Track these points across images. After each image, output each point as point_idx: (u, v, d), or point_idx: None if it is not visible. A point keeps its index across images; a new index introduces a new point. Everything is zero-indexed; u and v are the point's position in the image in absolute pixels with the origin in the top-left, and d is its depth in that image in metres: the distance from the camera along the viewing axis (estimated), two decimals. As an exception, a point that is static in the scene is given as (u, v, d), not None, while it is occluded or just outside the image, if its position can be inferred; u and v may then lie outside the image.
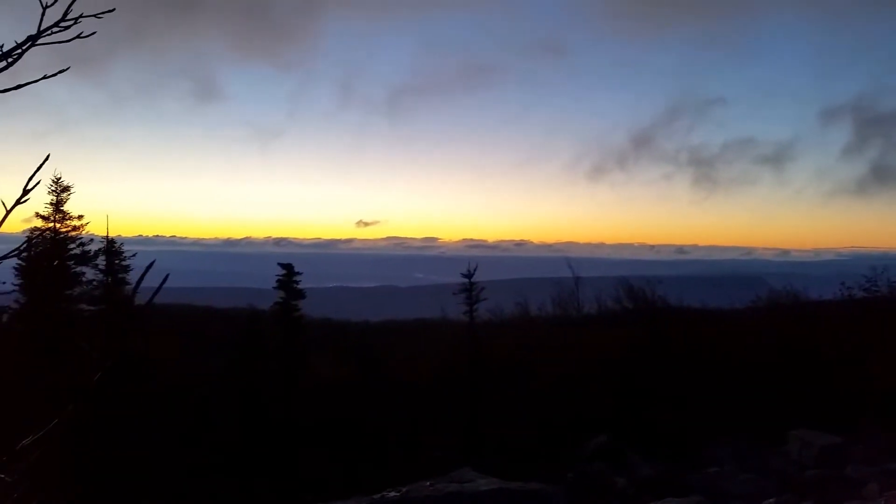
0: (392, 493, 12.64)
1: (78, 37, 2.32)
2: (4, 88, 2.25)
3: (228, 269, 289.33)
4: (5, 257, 2.44)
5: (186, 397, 24.93)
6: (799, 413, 19.34)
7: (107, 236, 24.32)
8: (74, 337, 20.90)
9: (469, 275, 28.20)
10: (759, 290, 32.79)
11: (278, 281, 27.95)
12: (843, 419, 18.06)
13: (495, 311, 31.96)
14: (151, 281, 2.63)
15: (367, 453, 22.67)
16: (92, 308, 24.49)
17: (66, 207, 23.58)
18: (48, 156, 2.32)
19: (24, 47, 2.27)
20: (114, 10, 2.40)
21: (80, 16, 2.30)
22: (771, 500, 12.83)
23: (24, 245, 2.53)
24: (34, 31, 2.29)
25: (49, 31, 2.28)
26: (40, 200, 23.11)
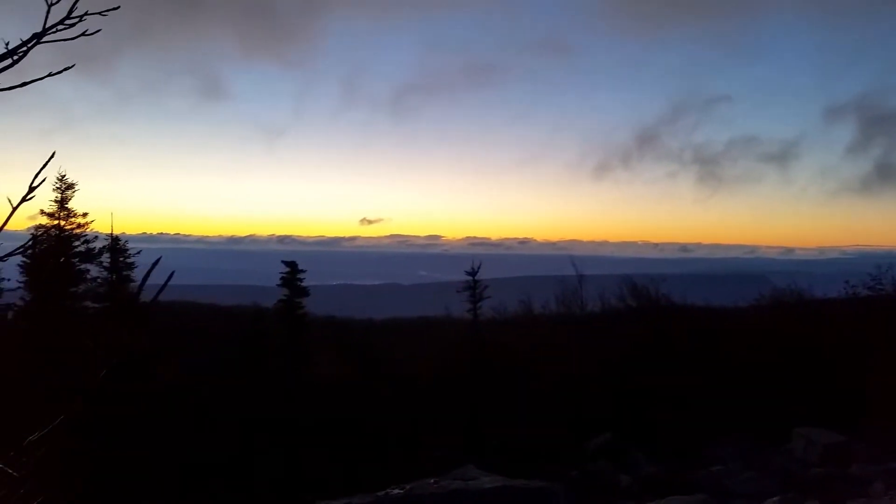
0: (396, 491, 12.66)
1: (83, 34, 2.33)
2: (10, 86, 2.26)
3: (232, 266, 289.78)
4: (11, 254, 2.44)
5: (189, 395, 24.97)
6: (803, 411, 19.32)
7: (111, 234, 24.40)
8: (79, 334, 20.97)
9: (473, 273, 28.20)
10: (763, 288, 32.74)
11: (282, 279, 27.98)
12: (848, 417, 18.03)
13: (499, 310, 31.95)
14: (156, 278, 2.63)
15: (370, 451, 22.69)
16: (96, 305, 24.56)
17: (70, 205, 23.66)
18: (53, 153, 2.33)
19: (29, 45, 2.28)
20: (118, 7, 2.41)
21: (86, 13, 2.30)
22: (775, 498, 12.81)
23: (30, 242, 2.54)
24: (39, 29, 2.29)
25: (54, 29, 2.29)
26: (45, 198, 23.20)
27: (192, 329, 33.96)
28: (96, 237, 24.20)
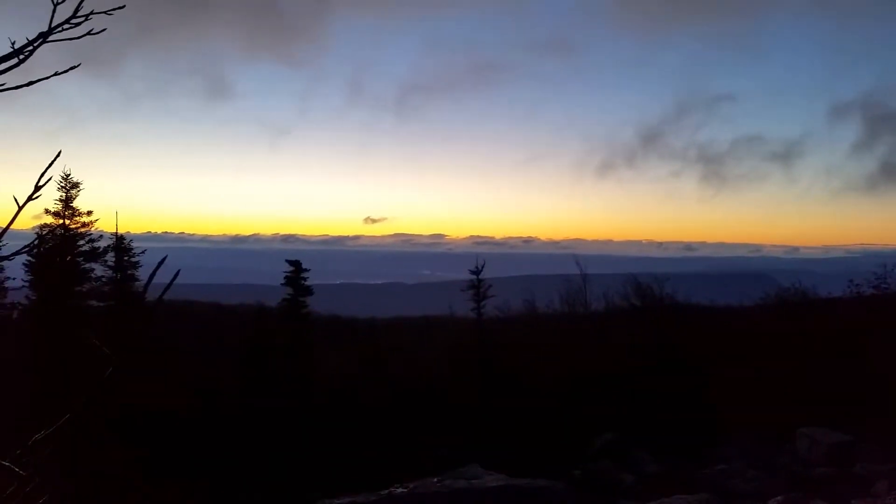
0: (400, 490, 12.68)
1: (89, 33, 2.33)
2: (16, 85, 2.27)
3: (236, 265, 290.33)
4: (17, 253, 2.45)
5: (193, 394, 25.02)
6: (807, 410, 19.27)
7: (116, 232, 24.43)
8: (84, 333, 21.02)
9: (477, 271, 28.20)
10: (768, 287, 32.69)
11: (286, 278, 28.01)
12: (852, 417, 17.97)
13: (503, 308, 31.93)
14: (161, 277, 2.64)
15: (374, 450, 22.70)
16: (101, 304, 24.62)
17: (75, 204, 23.71)
18: (59, 152, 2.33)
19: (35, 44, 2.28)
20: (124, 6, 2.41)
21: (91, 12, 2.30)
22: (779, 498, 12.79)
23: (36, 241, 2.55)
24: (45, 29, 2.30)
25: (60, 28, 2.29)
26: (50, 197, 23.27)
27: (196, 328, 34.05)
28: (101, 236, 24.26)
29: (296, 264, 28.22)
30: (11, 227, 2.32)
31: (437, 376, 27.17)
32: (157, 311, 2.50)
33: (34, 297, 23.71)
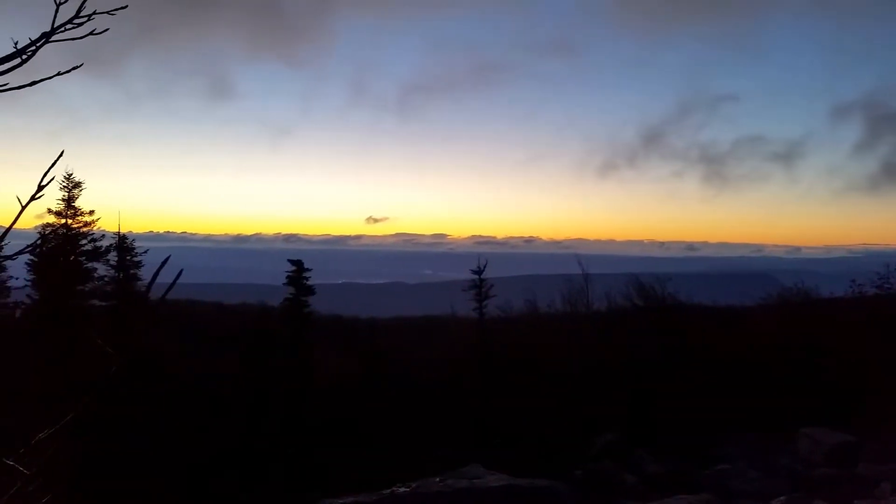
0: (402, 489, 12.68)
1: (91, 34, 2.34)
2: (19, 85, 2.27)
3: (238, 265, 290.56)
4: (21, 253, 2.46)
5: (196, 394, 25.04)
6: (809, 411, 19.24)
7: (118, 232, 24.46)
8: (87, 332, 21.04)
9: (478, 271, 28.19)
10: (770, 287, 32.65)
11: (288, 277, 28.03)
12: (854, 417, 17.95)
13: (504, 308, 31.91)
14: (164, 277, 2.64)
15: (376, 449, 22.70)
16: (103, 304, 24.66)
17: (77, 203, 23.76)
18: (62, 152, 2.34)
19: (37, 44, 2.29)
20: (126, 6, 2.42)
21: (94, 13, 2.31)
22: (781, 498, 12.78)
23: (38, 241, 2.55)
24: (48, 29, 2.30)
25: (63, 28, 2.30)
26: (52, 197, 23.31)
27: (199, 328, 34.07)
28: (103, 236, 24.31)
29: (298, 264, 28.24)
30: (14, 226, 2.32)
31: (439, 376, 27.17)
32: (160, 310, 2.50)
33: (37, 297, 23.76)
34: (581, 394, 23.89)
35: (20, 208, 2.27)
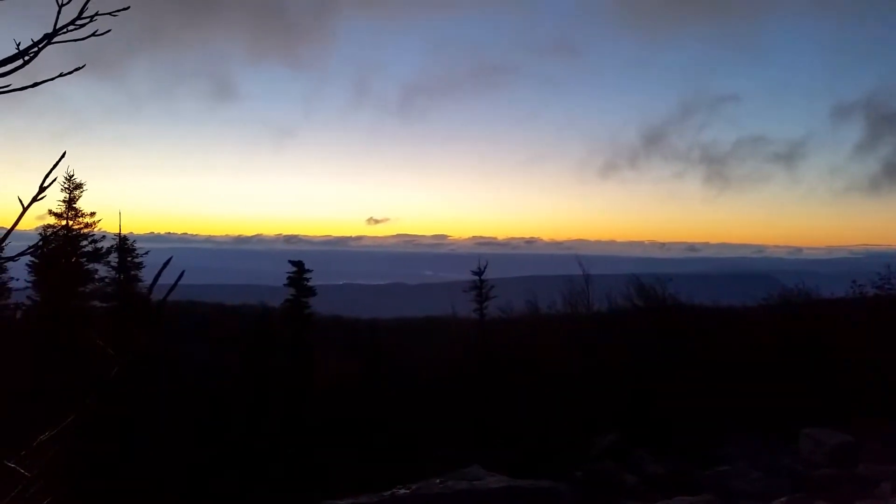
0: (402, 491, 12.67)
1: (93, 34, 2.34)
2: (21, 87, 2.27)
3: (239, 266, 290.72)
4: (22, 254, 2.45)
5: (196, 394, 25.04)
6: (810, 411, 19.22)
7: (119, 233, 24.46)
8: (87, 333, 21.04)
9: (479, 272, 28.19)
10: (771, 287, 32.59)
11: (289, 278, 28.03)
12: (856, 418, 17.93)
13: (505, 309, 31.91)
14: (166, 278, 2.64)
15: (376, 451, 22.70)
16: (104, 305, 24.65)
17: (78, 205, 23.77)
18: (64, 153, 2.34)
19: (40, 45, 2.29)
20: (128, 7, 2.42)
21: (96, 14, 2.31)
22: (782, 499, 12.76)
23: (40, 242, 2.55)
24: (50, 30, 2.30)
25: (65, 30, 2.30)
26: (53, 198, 23.32)
27: (200, 328, 34.07)
28: (104, 237, 24.31)
29: (298, 265, 28.25)
30: (15, 227, 2.32)
31: (439, 377, 27.16)
32: (162, 311, 2.50)
33: (37, 298, 23.75)
34: (581, 394, 23.88)
35: (22, 209, 2.27)
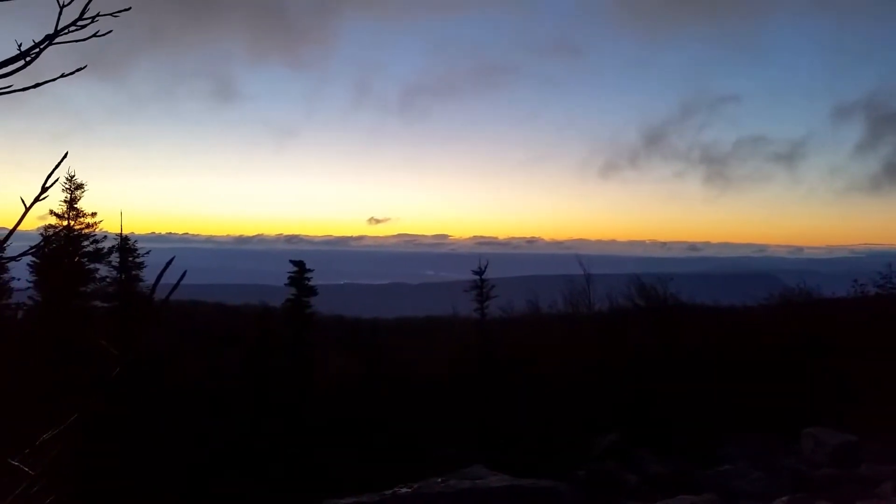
0: (404, 490, 12.68)
1: (95, 35, 2.34)
2: (23, 87, 2.28)
3: (240, 266, 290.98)
4: (24, 254, 2.46)
5: (197, 394, 25.05)
6: (812, 411, 19.22)
7: (120, 233, 24.47)
8: (89, 333, 21.06)
9: (480, 272, 28.17)
10: (772, 287, 32.65)
11: (290, 278, 28.03)
12: (858, 417, 17.92)
13: (506, 309, 31.92)
14: (167, 278, 2.65)
15: (378, 450, 22.71)
16: (105, 305, 24.67)
17: (80, 205, 23.76)
18: (66, 153, 2.34)
19: (41, 46, 2.29)
20: (129, 8, 2.42)
21: (97, 14, 2.32)
22: (784, 498, 12.76)
23: (42, 243, 2.56)
24: (51, 31, 2.31)
25: (66, 30, 2.30)
26: (54, 198, 23.31)
27: (201, 328, 34.10)
28: (105, 237, 24.31)
29: (299, 265, 28.25)
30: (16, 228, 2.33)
31: (441, 377, 27.17)
32: (163, 311, 2.51)
33: (39, 298, 23.76)
34: (583, 394, 23.88)
35: (24, 210, 2.28)
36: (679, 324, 27.09)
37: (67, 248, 23.61)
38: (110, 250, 24.32)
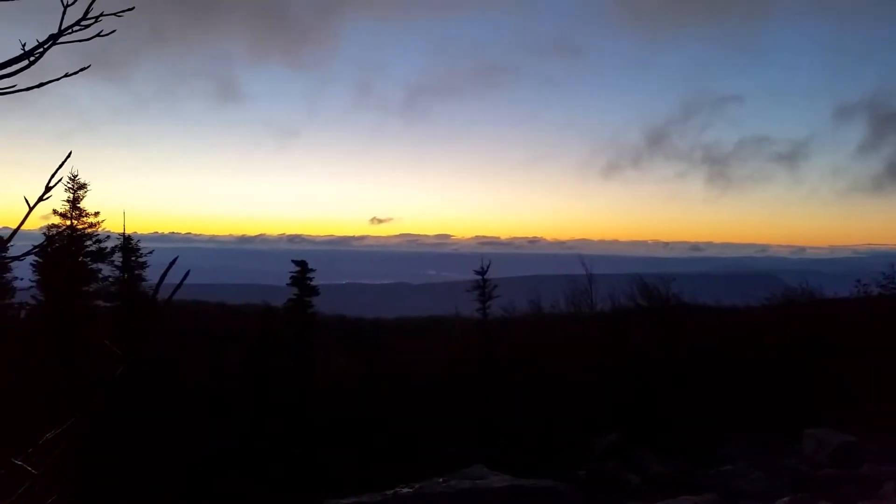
0: (405, 490, 12.69)
1: (98, 35, 2.35)
2: (27, 87, 2.28)
3: (243, 265, 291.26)
4: (28, 254, 2.47)
5: (198, 394, 25.07)
6: (813, 411, 19.20)
7: (123, 233, 24.51)
8: (91, 332, 21.09)
9: (482, 272, 28.17)
10: (774, 287, 32.58)
11: (292, 278, 28.05)
12: (859, 418, 17.90)
13: (508, 309, 31.90)
14: (170, 278, 2.65)
15: (379, 450, 22.72)
16: (108, 304, 24.71)
17: (82, 205, 23.80)
18: (70, 153, 2.35)
19: (45, 46, 2.30)
20: (133, 8, 2.43)
21: (101, 14, 2.32)
22: (785, 499, 12.75)
23: (45, 242, 2.56)
24: (55, 31, 2.31)
25: (70, 30, 2.31)
26: (58, 198, 23.35)
27: (203, 328, 34.10)
28: (108, 236, 24.34)
29: (302, 264, 28.26)
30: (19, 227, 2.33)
31: (442, 376, 27.16)
32: (165, 311, 2.51)
33: (42, 298, 23.80)
34: (584, 394, 23.87)
35: (27, 209, 2.28)
36: (681, 324, 27.07)
37: (70, 248, 23.63)
38: (113, 250, 24.36)
